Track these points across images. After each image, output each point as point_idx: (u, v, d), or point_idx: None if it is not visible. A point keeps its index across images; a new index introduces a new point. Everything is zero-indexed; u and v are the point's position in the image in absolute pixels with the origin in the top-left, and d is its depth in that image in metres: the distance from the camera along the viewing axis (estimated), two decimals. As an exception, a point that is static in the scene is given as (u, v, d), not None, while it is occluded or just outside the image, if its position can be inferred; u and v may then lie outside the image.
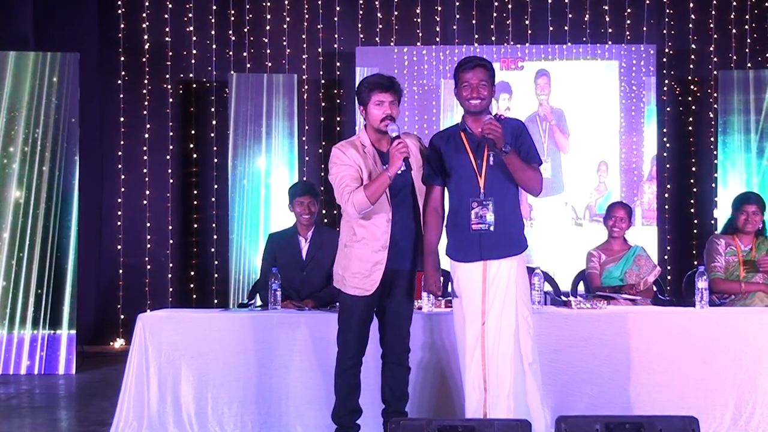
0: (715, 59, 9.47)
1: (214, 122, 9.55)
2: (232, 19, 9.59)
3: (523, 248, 4.67)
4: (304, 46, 9.61)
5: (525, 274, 4.69)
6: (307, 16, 9.60)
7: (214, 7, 9.59)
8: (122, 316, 9.37)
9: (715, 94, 9.23)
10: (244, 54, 9.57)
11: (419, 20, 9.58)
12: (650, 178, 9.20)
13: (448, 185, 4.71)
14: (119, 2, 9.55)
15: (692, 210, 9.47)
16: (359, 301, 4.66)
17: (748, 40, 9.42)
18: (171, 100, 9.60)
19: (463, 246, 4.63)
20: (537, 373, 4.63)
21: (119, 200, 9.53)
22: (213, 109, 9.58)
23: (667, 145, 9.43)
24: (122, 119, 9.54)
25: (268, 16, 9.59)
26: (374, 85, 4.67)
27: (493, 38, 9.52)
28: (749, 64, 9.35)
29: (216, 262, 9.46)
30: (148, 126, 9.55)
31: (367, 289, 4.63)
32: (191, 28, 9.58)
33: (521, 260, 4.65)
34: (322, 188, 9.32)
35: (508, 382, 4.50)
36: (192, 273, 9.57)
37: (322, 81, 9.65)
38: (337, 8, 9.62)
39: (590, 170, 9.22)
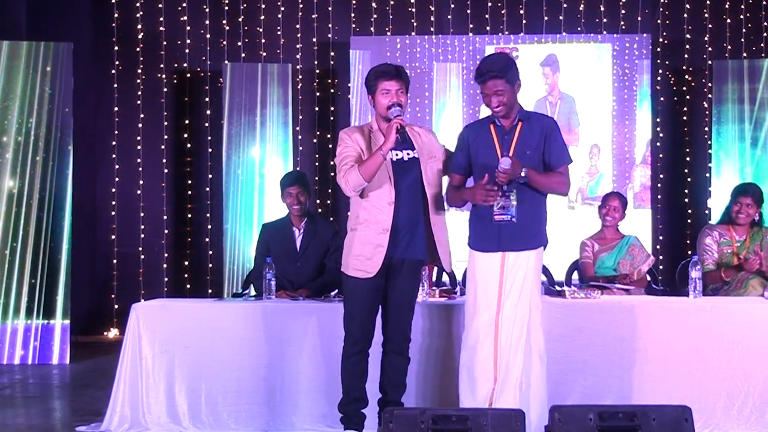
0: (710, 49, 9.47)
1: (208, 112, 9.54)
2: (226, 8, 9.57)
3: (542, 243, 4.71)
4: (299, 35, 9.59)
5: (540, 266, 4.73)
6: (301, 6, 9.59)
7: (208, -3, 9.59)
8: (116, 306, 9.37)
9: (710, 84, 9.23)
10: (239, 43, 9.56)
11: (414, 10, 9.56)
12: (643, 162, 9.22)
13: (473, 176, 4.73)
14: (113, -8, 9.54)
15: (686, 200, 9.49)
16: (362, 284, 4.67)
17: (743, 30, 9.42)
18: (165, 89, 9.58)
19: (483, 236, 4.67)
20: (545, 364, 4.67)
21: (113, 190, 9.52)
22: (207, 99, 9.56)
23: (661, 135, 9.44)
24: (116, 109, 9.53)
25: (262, 6, 9.57)
26: (381, 73, 4.70)
27: (487, 28, 9.51)
28: (744, 54, 9.34)
29: (210, 252, 9.46)
30: (142, 116, 9.54)
31: (368, 271, 4.64)
32: (185, 18, 9.56)
33: (539, 253, 4.69)
34: (316, 178, 9.35)
35: (517, 372, 4.54)
36: (186, 263, 9.57)
37: (317, 71, 9.64)
38: (331, -2, 9.62)
39: (583, 153, 9.24)
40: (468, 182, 4.82)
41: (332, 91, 9.62)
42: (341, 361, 4.77)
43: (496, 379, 4.55)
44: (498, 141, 4.65)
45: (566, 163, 4.71)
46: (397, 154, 4.68)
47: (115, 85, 9.52)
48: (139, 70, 9.56)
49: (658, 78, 9.44)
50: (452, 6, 9.56)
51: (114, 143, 9.53)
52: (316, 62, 9.65)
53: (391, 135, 4.53)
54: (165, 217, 9.54)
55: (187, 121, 9.62)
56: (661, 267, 8.93)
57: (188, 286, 9.48)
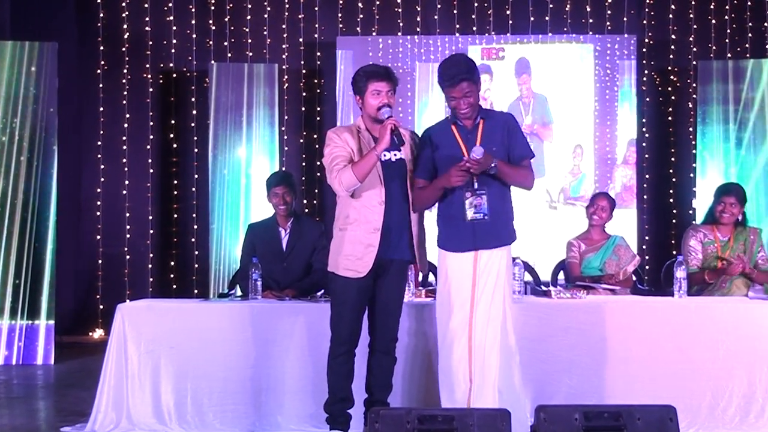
0: (695, 49, 9.50)
1: (194, 112, 9.52)
2: (213, 8, 9.54)
3: (513, 238, 4.72)
4: (285, 35, 9.58)
5: (511, 264, 4.75)
6: (287, 6, 9.57)
7: (194, -4, 9.57)
8: (101, 306, 9.33)
9: (695, 85, 9.27)
10: (225, 43, 9.53)
11: (400, 10, 9.56)
12: (624, 162, 9.25)
13: (438, 176, 4.72)
14: (98, -9, 9.50)
15: (671, 200, 9.52)
16: (352, 284, 4.67)
17: (728, 31, 9.46)
18: (151, 89, 9.55)
19: (456, 236, 4.66)
20: (519, 365, 4.68)
21: (98, 190, 9.48)
22: (193, 99, 9.54)
23: (647, 135, 9.47)
24: (101, 109, 9.49)
25: (249, 6, 9.55)
26: (371, 74, 4.70)
27: (474, 28, 9.52)
28: (728, 55, 9.38)
29: (196, 252, 9.43)
30: (127, 116, 9.50)
31: (360, 271, 4.64)
32: (171, 18, 9.53)
33: (510, 250, 4.71)
34: (303, 178, 9.34)
35: (494, 373, 4.53)
36: (172, 263, 9.55)
37: (303, 71, 9.63)
38: (318, -2, 9.61)
39: (565, 153, 9.27)
40: None
41: (318, 91, 9.61)
42: (327, 362, 4.77)
43: (471, 381, 4.54)
44: (462, 141, 4.66)
45: (529, 157, 4.74)
46: (384, 155, 4.68)
47: (101, 85, 9.49)
48: (125, 70, 9.52)
49: (644, 78, 9.46)
50: (439, 6, 9.56)
51: (99, 143, 9.50)
52: (302, 62, 9.63)
53: (386, 136, 4.53)
54: (150, 218, 9.51)
55: (173, 121, 9.59)
56: (646, 267, 8.95)
57: (174, 286, 9.46)
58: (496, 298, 4.58)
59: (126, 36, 9.52)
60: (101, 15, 9.49)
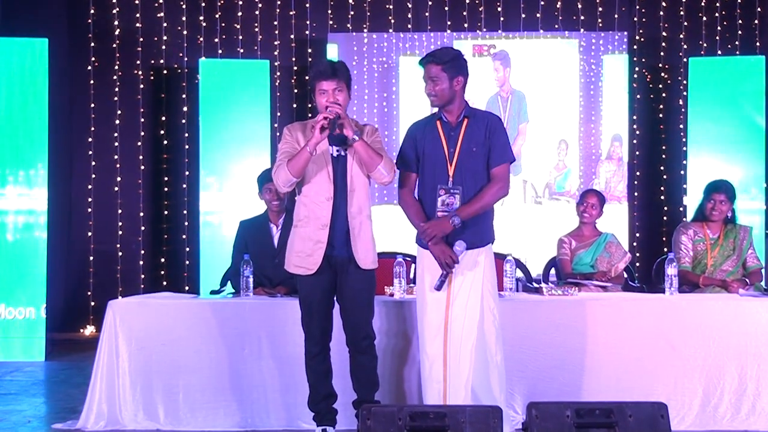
0: (685, 46, 9.52)
1: (185, 108, 9.50)
2: (203, 4, 9.52)
3: (489, 240, 4.69)
4: (276, 32, 9.56)
5: (493, 265, 4.70)
6: (279, 2, 9.56)
7: (185, -8, 9.55)
8: (93, 303, 9.31)
9: (685, 81, 9.28)
10: (216, 40, 9.52)
11: (391, 6, 9.56)
12: (608, 157, 9.27)
13: (420, 172, 4.72)
14: (89, -13, 9.48)
15: (662, 197, 9.54)
16: (311, 282, 4.67)
17: (719, 28, 9.48)
18: (142, 86, 9.53)
19: None
20: (501, 367, 4.63)
21: (89, 187, 9.45)
22: (184, 96, 9.51)
23: (637, 132, 9.48)
24: (92, 105, 9.46)
25: (240, 2, 9.53)
26: (317, 74, 4.74)
27: (465, 25, 9.53)
28: (719, 52, 9.40)
29: (187, 249, 9.42)
30: (118, 112, 9.48)
31: (309, 268, 4.65)
32: (162, 14, 9.50)
33: (488, 251, 4.67)
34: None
35: (467, 372, 4.52)
36: (163, 260, 9.53)
37: (294, 67, 9.61)
38: (309, -6, 9.60)
39: (550, 148, 9.29)
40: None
41: (310, 87, 9.55)
42: (305, 362, 4.79)
43: (446, 379, 4.55)
44: (444, 137, 4.66)
45: (506, 161, 4.69)
46: (338, 150, 4.69)
47: (92, 82, 9.46)
48: (116, 67, 9.49)
49: (635, 75, 9.48)
50: (429, 3, 9.56)
51: (90, 140, 9.47)
52: (293, 59, 9.63)
53: (315, 131, 4.53)
54: (142, 214, 9.49)
55: (163, 118, 9.57)
56: (637, 264, 8.97)
57: (165, 283, 9.44)
58: (473, 298, 4.57)
59: (117, 32, 9.49)
60: (92, 11, 9.45)
